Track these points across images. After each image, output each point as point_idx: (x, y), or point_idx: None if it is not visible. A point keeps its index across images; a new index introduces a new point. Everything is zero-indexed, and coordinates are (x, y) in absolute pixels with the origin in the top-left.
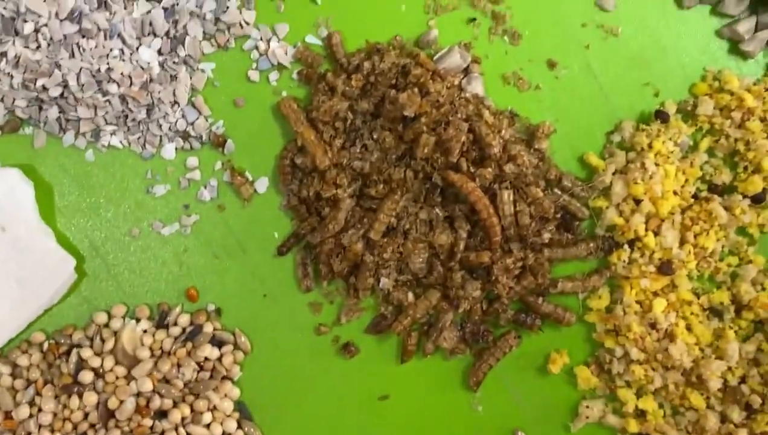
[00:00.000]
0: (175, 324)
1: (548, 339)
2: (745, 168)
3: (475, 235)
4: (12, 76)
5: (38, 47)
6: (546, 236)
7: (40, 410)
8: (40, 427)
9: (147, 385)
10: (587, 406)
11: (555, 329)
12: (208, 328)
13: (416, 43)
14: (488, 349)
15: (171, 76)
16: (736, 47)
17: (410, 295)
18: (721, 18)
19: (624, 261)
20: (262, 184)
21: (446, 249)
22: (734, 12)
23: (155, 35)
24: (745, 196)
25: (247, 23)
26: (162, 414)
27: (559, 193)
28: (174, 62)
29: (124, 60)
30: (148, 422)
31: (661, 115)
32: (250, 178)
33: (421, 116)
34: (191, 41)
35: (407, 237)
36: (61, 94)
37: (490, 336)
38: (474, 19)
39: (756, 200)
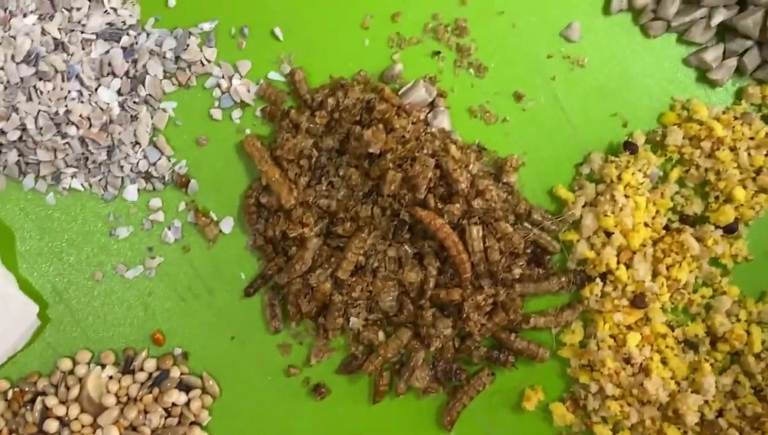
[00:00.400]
0: (142, 369)
1: (522, 375)
2: (716, 198)
3: (445, 272)
4: None
5: None
6: (517, 271)
7: None
8: None
9: (113, 434)
10: None
11: (529, 365)
12: (175, 373)
13: (381, 77)
14: (462, 387)
15: (131, 116)
16: (704, 75)
17: (381, 334)
18: (688, 46)
19: (596, 295)
20: (227, 225)
21: (416, 286)
22: (701, 40)
23: (114, 75)
24: (717, 227)
25: (209, 61)
26: None
27: (529, 227)
28: (134, 102)
29: (82, 102)
30: None
31: (630, 147)
32: (215, 219)
33: (386, 153)
34: (151, 80)
35: (376, 275)
36: (20, 138)
37: (463, 374)
38: (438, 53)
39: (728, 230)
